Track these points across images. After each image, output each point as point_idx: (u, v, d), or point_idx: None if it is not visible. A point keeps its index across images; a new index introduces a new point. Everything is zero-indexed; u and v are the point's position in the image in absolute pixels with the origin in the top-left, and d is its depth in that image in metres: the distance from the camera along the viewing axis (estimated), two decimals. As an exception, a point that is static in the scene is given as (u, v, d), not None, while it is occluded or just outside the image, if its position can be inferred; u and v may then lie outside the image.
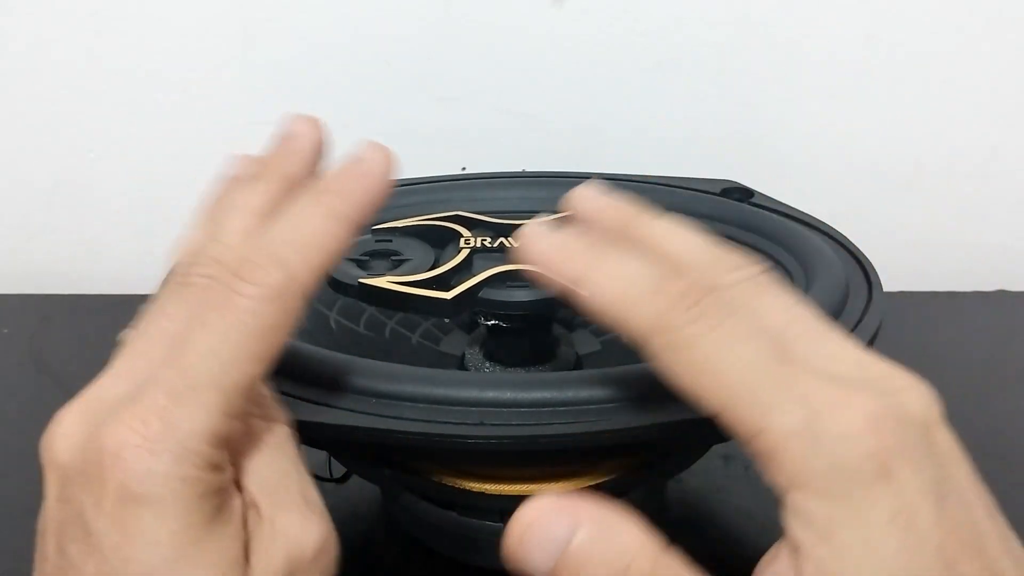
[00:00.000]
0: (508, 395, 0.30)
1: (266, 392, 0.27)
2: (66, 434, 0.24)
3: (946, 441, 0.22)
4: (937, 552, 0.21)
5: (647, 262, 0.24)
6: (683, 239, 0.25)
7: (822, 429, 0.21)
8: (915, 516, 0.21)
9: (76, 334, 0.60)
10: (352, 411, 0.30)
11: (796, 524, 0.21)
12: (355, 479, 0.41)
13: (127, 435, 0.22)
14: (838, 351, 0.23)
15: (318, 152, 0.29)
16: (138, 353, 0.25)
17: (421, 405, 0.30)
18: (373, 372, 0.31)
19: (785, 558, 0.22)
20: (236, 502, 0.24)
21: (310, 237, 0.25)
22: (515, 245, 0.26)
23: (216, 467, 0.23)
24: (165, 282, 0.27)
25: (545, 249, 0.25)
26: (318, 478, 0.43)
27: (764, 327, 0.23)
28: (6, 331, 0.62)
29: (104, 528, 0.23)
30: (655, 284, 0.23)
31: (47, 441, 0.24)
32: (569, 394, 0.30)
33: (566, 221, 0.26)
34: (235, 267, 0.24)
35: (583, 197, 0.27)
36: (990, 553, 0.21)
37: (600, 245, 0.25)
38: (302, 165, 0.28)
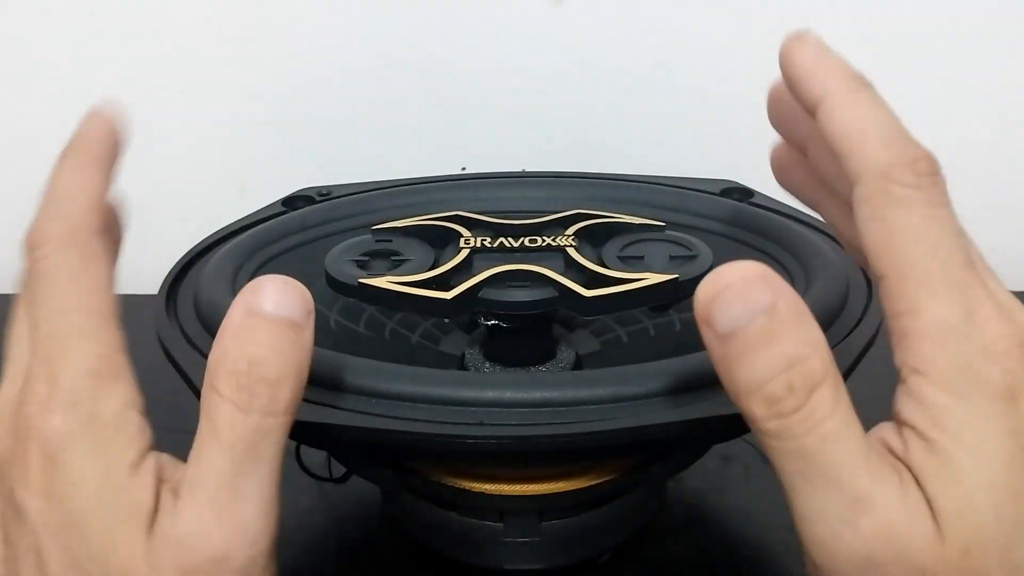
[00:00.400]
0: (508, 395, 0.30)
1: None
2: None
3: None
4: None
5: (895, 117, 0.26)
6: (900, 126, 0.27)
7: (975, 333, 0.23)
8: None
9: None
10: (352, 411, 0.30)
11: (911, 406, 0.23)
12: (355, 479, 0.41)
13: (29, 410, 0.25)
14: (1000, 285, 0.25)
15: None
16: (14, 354, 0.28)
17: (421, 405, 0.30)
18: (373, 372, 0.31)
19: (891, 431, 0.24)
20: (150, 464, 0.26)
21: (66, 186, 0.29)
22: (785, 39, 0.28)
23: (116, 403, 0.26)
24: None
25: (810, 57, 0.28)
26: (318, 478, 0.43)
27: (959, 229, 0.25)
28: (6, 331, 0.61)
29: (31, 498, 0.25)
30: (899, 136, 0.26)
31: None
32: (569, 394, 0.30)
33: None
34: (28, 243, 0.28)
35: (802, 40, 0.30)
36: None
37: (860, 79, 0.27)
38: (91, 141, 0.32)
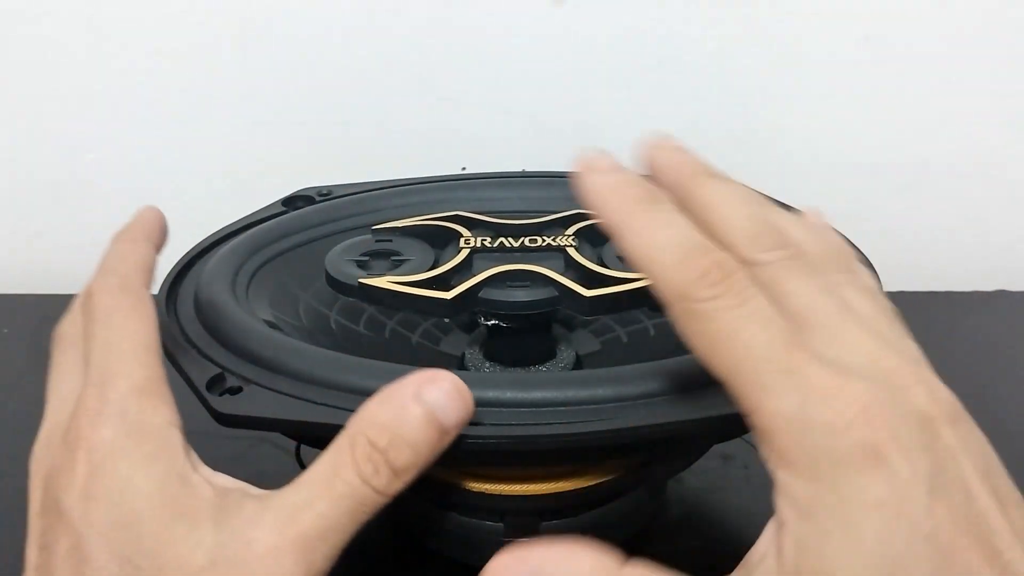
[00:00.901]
0: (508, 395, 0.30)
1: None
2: (40, 455, 0.30)
3: (954, 436, 0.22)
4: (927, 539, 0.21)
5: (688, 227, 0.25)
6: (732, 208, 0.26)
7: (814, 415, 0.22)
8: (904, 504, 0.21)
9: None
10: (352, 411, 0.30)
11: (782, 502, 0.22)
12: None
13: (79, 423, 0.28)
14: (856, 341, 0.23)
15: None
16: (60, 388, 0.31)
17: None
18: (373, 372, 0.31)
19: (769, 534, 0.23)
20: (204, 472, 0.29)
21: (120, 252, 0.34)
22: (574, 170, 0.26)
23: (161, 419, 0.29)
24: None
25: (599, 186, 0.26)
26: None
27: (785, 310, 0.24)
28: (6, 331, 0.62)
29: (74, 501, 0.27)
30: (687, 253, 0.24)
31: (31, 468, 0.30)
32: (569, 394, 0.30)
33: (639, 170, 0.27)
34: (89, 290, 0.32)
35: (655, 145, 0.28)
36: (997, 544, 0.21)
37: (650, 200, 0.26)
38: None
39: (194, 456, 0.30)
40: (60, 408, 0.30)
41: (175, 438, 0.29)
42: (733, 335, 0.23)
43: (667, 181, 0.27)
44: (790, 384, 0.22)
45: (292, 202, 0.47)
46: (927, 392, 0.22)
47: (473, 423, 0.29)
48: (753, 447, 0.46)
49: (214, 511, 0.28)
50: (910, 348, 0.24)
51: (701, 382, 0.31)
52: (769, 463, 0.23)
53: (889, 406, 0.22)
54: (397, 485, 0.28)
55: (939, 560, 0.21)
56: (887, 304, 0.26)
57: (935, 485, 0.21)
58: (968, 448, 0.22)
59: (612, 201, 0.26)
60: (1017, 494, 0.23)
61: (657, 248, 0.25)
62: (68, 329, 0.32)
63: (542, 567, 0.23)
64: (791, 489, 0.22)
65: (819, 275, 0.25)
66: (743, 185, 0.27)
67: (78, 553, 0.27)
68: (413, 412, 0.27)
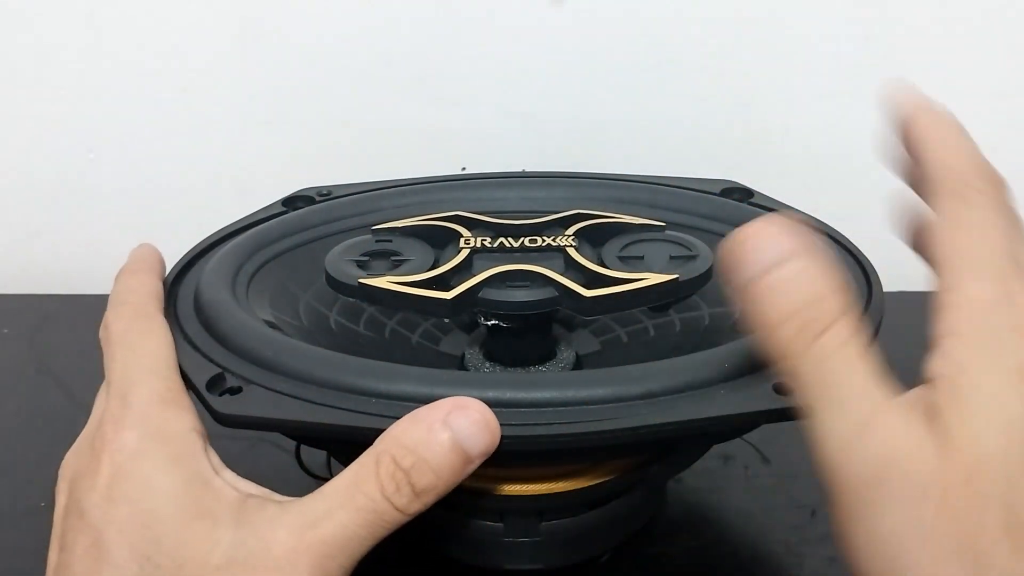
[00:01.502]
0: (509, 395, 0.30)
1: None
2: (68, 461, 0.32)
3: None
4: None
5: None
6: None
7: (1008, 312, 0.25)
8: None
9: (76, 334, 0.60)
10: (352, 411, 0.30)
11: (940, 362, 0.25)
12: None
13: (105, 428, 0.30)
14: None
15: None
16: (96, 403, 0.33)
17: (421, 405, 0.30)
18: (373, 372, 0.31)
19: (917, 389, 0.25)
20: (227, 475, 0.31)
21: (128, 283, 0.36)
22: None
23: (182, 425, 0.30)
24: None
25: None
26: (318, 478, 0.43)
27: (1017, 239, 0.27)
28: (6, 331, 0.62)
29: (95, 500, 0.29)
30: (980, 155, 0.29)
31: (59, 474, 0.32)
32: (570, 394, 0.30)
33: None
34: (105, 322, 0.34)
35: (932, 120, 0.31)
36: None
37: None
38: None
39: (217, 460, 0.31)
40: (90, 424, 0.32)
41: (196, 443, 0.30)
42: (981, 227, 0.26)
43: (934, 173, 0.29)
44: (1000, 282, 0.25)
45: (292, 202, 0.47)
46: None
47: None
48: (753, 447, 0.46)
49: (234, 512, 0.28)
50: None
51: (702, 383, 0.31)
52: (937, 334, 0.25)
53: None
54: (417, 505, 0.29)
55: None
56: None
57: None
58: None
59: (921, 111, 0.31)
60: None
61: (955, 140, 0.29)
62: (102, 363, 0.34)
63: (797, 255, 0.25)
64: (952, 352, 0.24)
65: None
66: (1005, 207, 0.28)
67: (96, 550, 0.28)
68: (439, 437, 0.28)
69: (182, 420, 0.31)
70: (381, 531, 0.28)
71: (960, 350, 0.24)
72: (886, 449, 0.24)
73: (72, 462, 0.32)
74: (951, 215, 0.27)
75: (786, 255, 0.25)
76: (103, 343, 0.34)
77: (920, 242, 0.34)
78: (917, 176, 0.31)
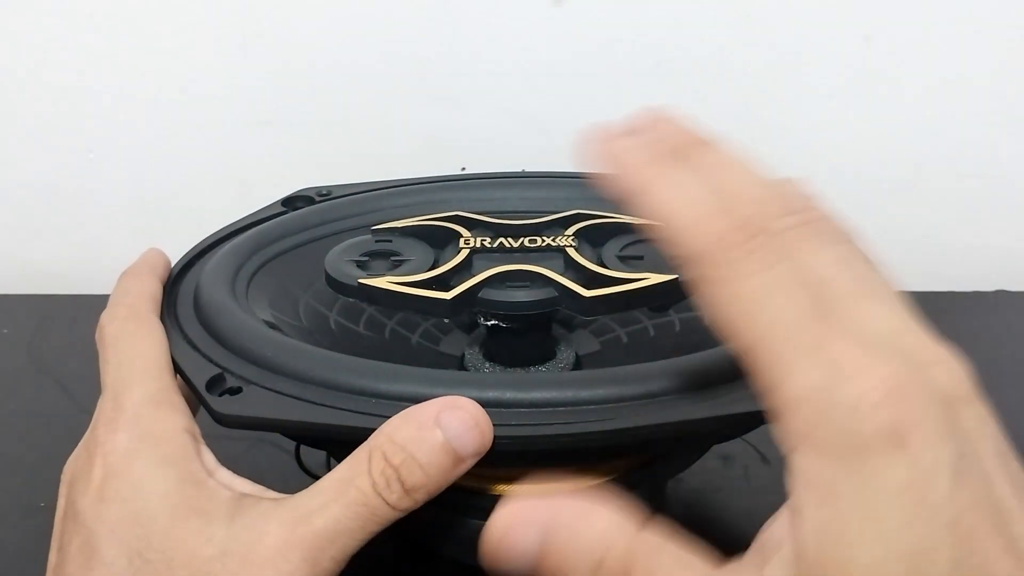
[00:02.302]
0: (509, 395, 0.30)
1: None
2: (68, 466, 0.32)
3: (973, 418, 0.21)
4: (949, 527, 0.20)
5: (707, 187, 0.24)
6: (741, 172, 0.24)
7: (838, 393, 0.20)
8: (926, 490, 0.20)
9: (76, 334, 0.60)
10: (352, 411, 0.30)
11: (798, 485, 0.21)
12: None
13: (98, 430, 0.31)
14: (879, 313, 0.22)
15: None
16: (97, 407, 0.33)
17: (420, 405, 0.30)
18: (373, 372, 0.31)
19: (784, 520, 0.22)
20: (221, 475, 0.31)
21: (127, 286, 0.37)
22: (584, 141, 0.26)
23: (174, 427, 0.31)
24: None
25: (617, 149, 0.25)
26: (318, 478, 0.43)
27: (809, 278, 0.22)
28: (6, 331, 0.62)
29: (87, 501, 0.29)
30: (713, 211, 0.23)
31: (61, 478, 0.32)
32: (570, 394, 0.30)
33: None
34: (100, 323, 0.35)
35: (651, 112, 0.27)
36: (1014, 531, 0.21)
37: (666, 159, 0.25)
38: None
39: (211, 460, 0.31)
40: (90, 429, 0.32)
41: (189, 443, 0.31)
42: (759, 303, 0.22)
43: (669, 145, 0.25)
44: (815, 359, 0.21)
45: (292, 202, 0.47)
46: (947, 371, 0.21)
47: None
48: (753, 447, 0.46)
49: (228, 510, 0.29)
50: (920, 322, 0.23)
51: (702, 382, 0.31)
52: (786, 444, 0.21)
53: (914, 387, 0.20)
54: (408, 502, 0.29)
55: (960, 548, 0.20)
56: (888, 277, 0.24)
57: (957, 471, 0.20)
58: (985, 431, 0.21)
59: (628, 163, 0.25)
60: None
61: (686, 202, 0.23)
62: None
63: (553, 526, 0.23)
64: (810, 472, 0.21)
65: (832, 244, 0.23)
66: (740, 150, 0.25)
67: (88, 549, 0.28)
68: (429, 436, 0.28)
69: (174, 421, 0.31)
70: (373, 526, 0.28)
71: (814, 469, 0.20)
72: None
73: (71, 467, 0.32)
74: (724, 299, 0.22)
75: (540, 532, 0.23)
76: (98, 345, 0.34)
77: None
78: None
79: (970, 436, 0.21)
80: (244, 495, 0.30)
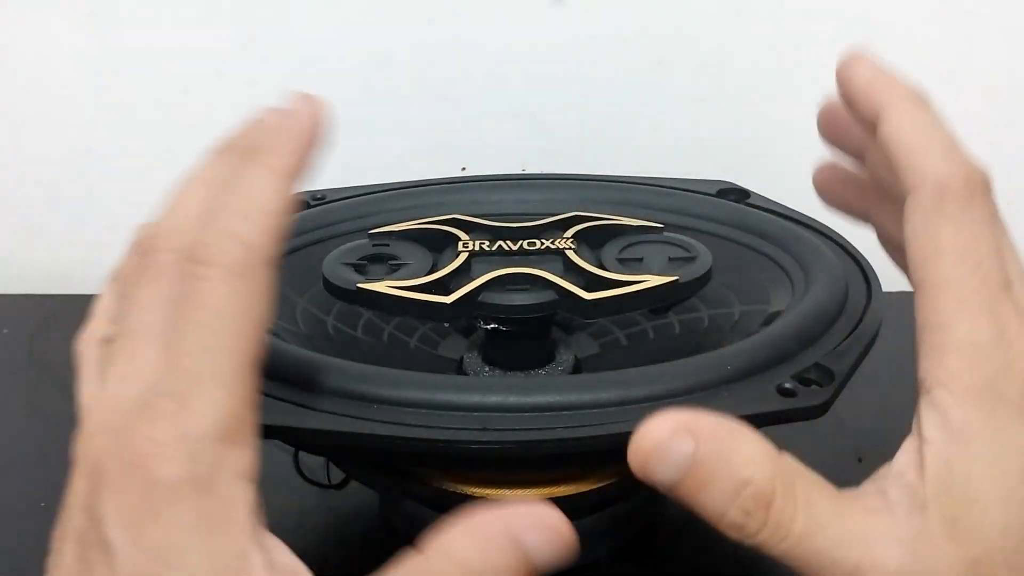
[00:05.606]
0: (512, 399, 0.30)
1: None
2: (90, 443, 0.24)
3: None
4: None
5: (945, 131, 0.27)
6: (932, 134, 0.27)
7: (1002, 353, 0.23)
8: None
9: (76, 334, 0.60)
10: (352, 417, 0.30)
11: (932, 421, 0.23)
12: (353, 484, 0.41)
13: (145, 447, 0.22)
14: None
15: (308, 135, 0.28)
16: (133, 355, 0.24)
17: (423, 410, 0.30)
18: (372, 377, 0.31)
19: (911, 451, 0.24)
20: (260, 547, 0.23)
21: (256, 202, 0.24)
22: (842, 56, 0.28)
23: (232, 473, 0.23)
24: (123, 264, 0.27)
25: (870, 69, 0.28)
26: (317, 484, 0.43)
27: (1003, 251, 0.25)
28: (6, 331, 0.62)
29: (126, 545, 0.22)
30: (959, 152, 0.26)
31: (78, 450, 0.25)
32: (572, 398, 0.30)
33: None
34: (191, 251, 0.23)
35: (857, 62, 0.29)
36: None
37: (917, 91, 0.28)
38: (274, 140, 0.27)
39: (261, 524, 0.24)
40: (122, 393, 0.24)
41: (247, 502, 0.24)
42: (969, 249, 0.24)
43: (906, 174, 0.27)
44: (993, 317, 0.24)
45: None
46: None
47: (476, 428, 0.29)
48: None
49: None
50: None
51: (702, 385, 0.31)
52: (929, 378, 0.24)
53: None
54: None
55: None
56: None
57: None
58: None
59: (883, 87, 0.28)
60: None
61: (930, 135, 0.26)
62: (146, 290, 0.24)
63: (708, 438, 0.24)
64: (951, 410, 0.23)
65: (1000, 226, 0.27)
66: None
67: None
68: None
69: (235, 464, 0.23)
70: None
71: (955, 409, 0.23)
72: (886, 570, 0.23)
73: (93, 447, 0.24)
74: (930, 231, 0.25)
75: (683, 462, 0.24)
76: (180, 277, 0.24)
77: (888, 242, 0.33)
78: (878, 164, 0.30)
79: None
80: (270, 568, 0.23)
